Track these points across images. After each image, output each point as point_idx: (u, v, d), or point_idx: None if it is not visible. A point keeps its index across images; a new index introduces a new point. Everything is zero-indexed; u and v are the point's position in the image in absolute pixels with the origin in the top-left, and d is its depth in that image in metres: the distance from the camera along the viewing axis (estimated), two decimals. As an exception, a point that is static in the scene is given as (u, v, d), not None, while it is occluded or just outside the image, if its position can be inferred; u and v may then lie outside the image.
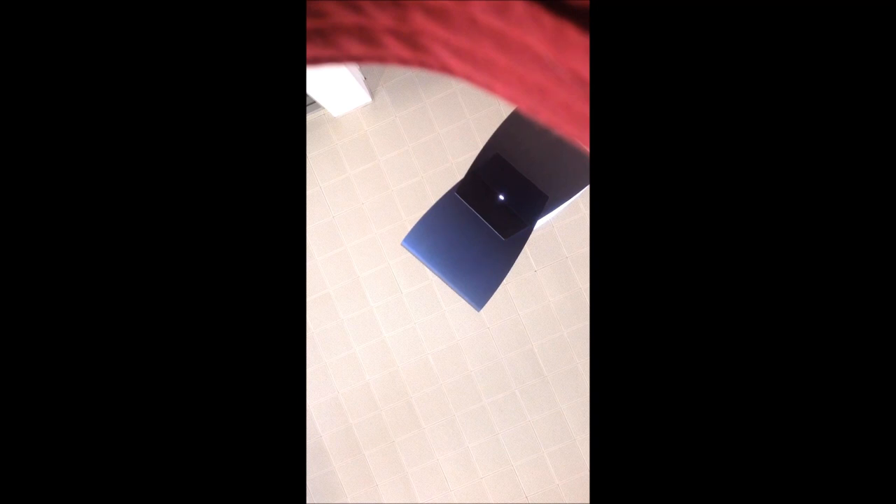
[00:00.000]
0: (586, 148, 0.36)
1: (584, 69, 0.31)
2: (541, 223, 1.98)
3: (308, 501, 2.87)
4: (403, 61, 0.35)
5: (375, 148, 2.84)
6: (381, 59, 0.35)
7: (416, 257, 1.93)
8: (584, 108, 0.33)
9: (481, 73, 0.33)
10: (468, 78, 0.34)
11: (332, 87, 2.52)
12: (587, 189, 2.04)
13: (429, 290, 2.82)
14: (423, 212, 2.17)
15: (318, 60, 0.35)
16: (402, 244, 1.97)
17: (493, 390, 2.81)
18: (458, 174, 2.81)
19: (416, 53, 0.34)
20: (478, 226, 1.85)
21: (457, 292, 1.93)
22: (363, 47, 0.34)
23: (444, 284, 2.73)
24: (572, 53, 0.30)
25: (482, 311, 2.65)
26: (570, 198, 1.90)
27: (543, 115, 0.34)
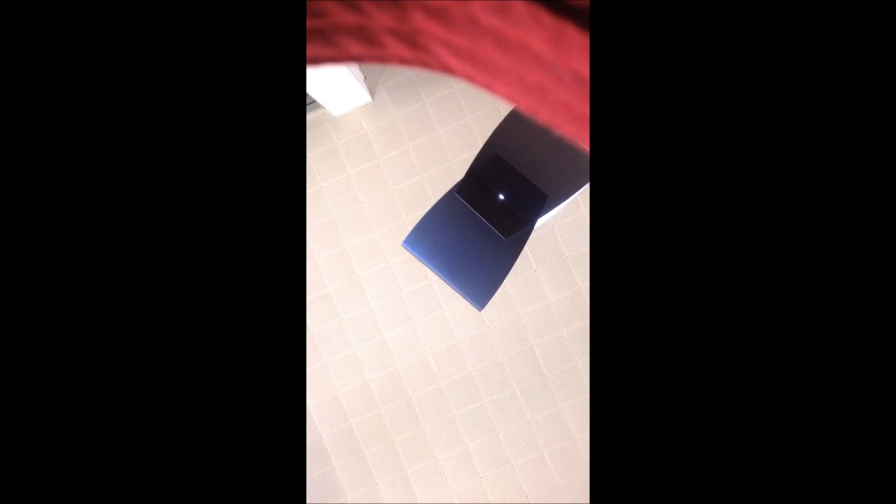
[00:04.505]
0: (586, 147, 0.36)
1: (584, 69, 0.31)
2: (541, 222, 1.98)
3: (308, 501, 2.87)
4: (404, 61, 0.35)
5: (375, 147, 2.84)
6: (382, 59, 0.35)
7: (417, 258, 1.93)
8: (584, 108, 0.33)
9: (481, 72, 0.33)
10: (468, 77, 0.34)
11: (332, 86, 2.51)
12: (587, 188, 2.04)
13: (429, 290, 2.82)
14: (423, 211, 2.17)
15: (318, 60, 0.35)
16: (402, 245, 1.97)
17: (493, 390, 2.81)
18: (458, 174, 2.81)
19: (417, 53, 0.34)
20: (478, 226, 1.85)
21: (458, 293, 1.93)
22: (363, 47, 0.34)
23: (444, 284, 2.73)
24: (572, 53, 0.30)
25: (482, 310, 2.65)
26: (569, 196, 1.90)
27: (543, 115, 0.34)
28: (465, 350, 2.82)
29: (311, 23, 0.33)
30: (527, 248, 2.78)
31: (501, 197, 1.82)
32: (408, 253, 2.75)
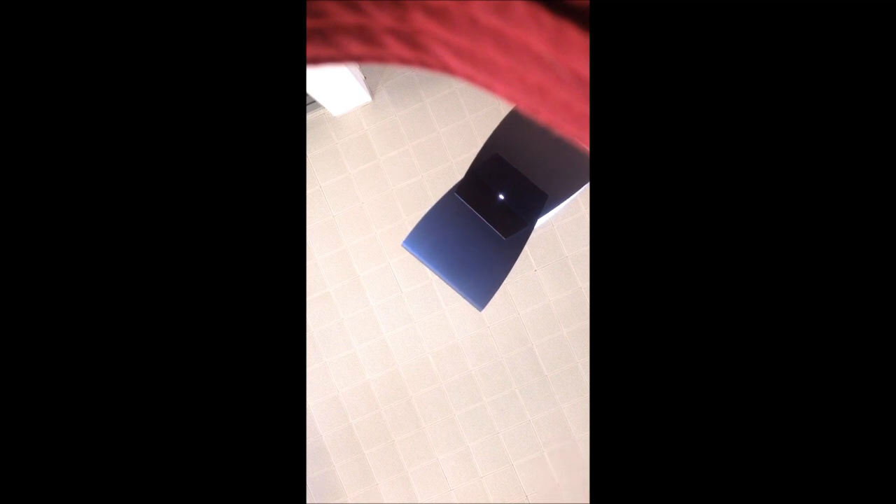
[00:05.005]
0: (586, 147, 0.36)
1: (584, 69, 0.31)
2: (541, 222, 1.98)
3: (308, 501, 2.87)
4: (404, 61, 0.35)
5: (375, 147, 2.84)
6: (382, 59, 0.35)
7: (417, 258, 1.93)
8: (584, 108, 0.33)
9: (481, 72, 0.33)
10: (468, 77, 0.34)
11: (332, 86, 2.51)
12: (587, 187, 2.04)
13: (429, 290, 2.82)
14: (423, 211, 2.17)
15: (318, 60, 0.35)
16: (402, 245, 1.97)
17: (493, 389, 2.81)
18: (458, 174, 2.81)
19: (417, 53, 0.34)
20: (478, 226, 1.85)
21: (458, 293, 1.93)
22: (363, 47, 0.34)
23: (444, 283, 2.73)
24: (572, 53, 0.30)
25: (482, 310, 2.64)
26: (569, 196, 1.90)
27: (543, 115, 0.34)
28: (465, 350, 2.82)
29: (311, 23, 0.33)
30: (527, 248, 2.78)
31: (501, 197, 1.82)
32: (408, 253, 2.75)
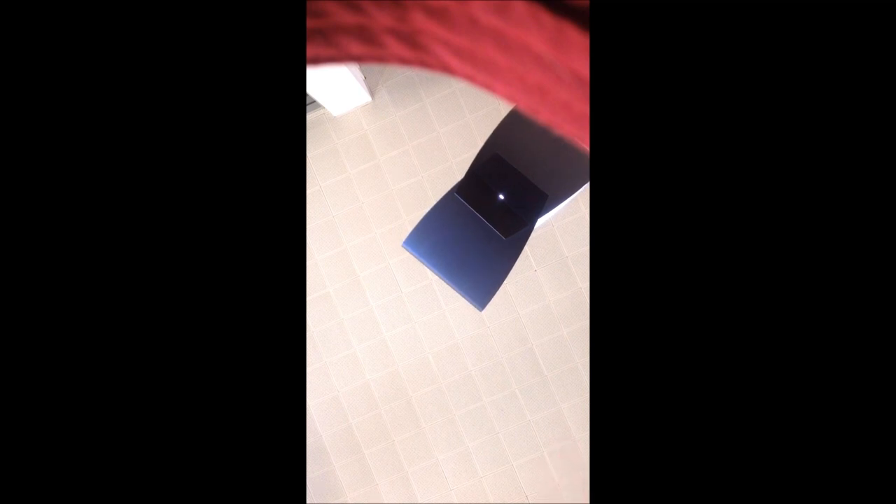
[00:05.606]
0: (586, 147, 0.36)
1: (584, 69, 0.31)
2: (540, 222, 1.98)
3: (308, 501, 2.87)
4: (404, 61, 0.35)
5: (375, 147, 2.84)
6: (382, 59, 0.35)
7: (417, 258, 1.93)
8: (584, 108, 0.33)
9: (481, 72, 0.33)
10: (468, 77, 0.34)
11: (332, 86, 2.51)
12: (587, 187, 2.04)
13: (429, 290, 2.82)
14: (423, 211, 2.17)
15: (318, 60, 0.35)
16: (402, 246, 1.97)
17: (493, 390, 2.81)
18: (458, 174, 2.81)
19: (417, 53, 0.34)
20: (478, 226, 1.85)
21: (458, 293, 1.93)
22: (363, 47, 0.34)
23: (444, 284, 2.73)
24: (572, 53, 0.30)
25: (483, 310, 2.64)
26: (569, 196, 1.90)
27: (543, 115, 0.34)
28: (465, 350, 2.82)
29: (311, 23, 0.33)
30: (527, 248, 2.78)
31: (501, 197, 1.82)
32: (408, 253, 2.75)
